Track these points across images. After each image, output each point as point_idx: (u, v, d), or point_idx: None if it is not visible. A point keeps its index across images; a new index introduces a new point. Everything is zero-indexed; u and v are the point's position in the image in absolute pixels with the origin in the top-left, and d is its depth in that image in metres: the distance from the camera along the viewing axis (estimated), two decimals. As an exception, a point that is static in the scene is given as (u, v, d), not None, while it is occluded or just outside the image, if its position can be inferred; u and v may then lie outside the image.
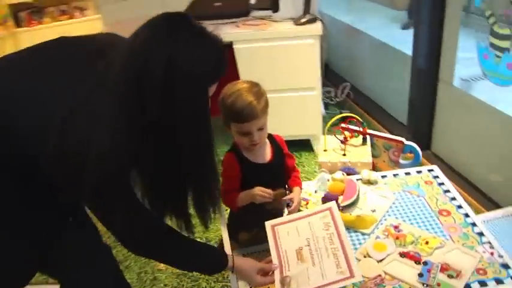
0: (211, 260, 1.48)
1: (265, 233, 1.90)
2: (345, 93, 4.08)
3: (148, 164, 1.10)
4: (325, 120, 3.21)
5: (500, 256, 1.67)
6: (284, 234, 1.62)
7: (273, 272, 1.52)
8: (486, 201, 2.61)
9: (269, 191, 1.66)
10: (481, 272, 1.62)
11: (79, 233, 1.42)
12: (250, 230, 1.90)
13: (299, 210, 1.80)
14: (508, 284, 1.57)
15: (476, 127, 2.65)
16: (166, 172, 1.12)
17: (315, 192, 2.08)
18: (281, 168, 1.86)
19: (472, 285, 1.57)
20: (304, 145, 3.44)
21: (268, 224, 1.68)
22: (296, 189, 1.84)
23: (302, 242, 1.57)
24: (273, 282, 1.50)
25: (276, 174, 1.83)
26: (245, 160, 1.71)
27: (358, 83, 4.11)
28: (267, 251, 1.97)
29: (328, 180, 2.12)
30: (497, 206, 2.54)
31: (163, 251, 1.35)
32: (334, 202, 1.65)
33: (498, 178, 2.61)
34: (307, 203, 1.99)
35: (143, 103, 1.00)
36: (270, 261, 1.56)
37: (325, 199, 1.96)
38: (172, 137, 1.06)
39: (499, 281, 1.58)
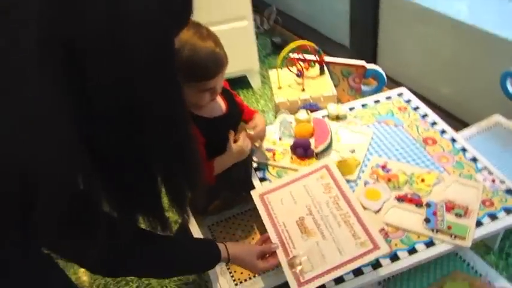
0: (204, 256, 1.14)
1: (236, 194, 1.59)
2: (272, 19, 3.70)
3: (107, 150, 0.71)
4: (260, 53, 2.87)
5: (502, 182, 1.50)
6: (277, 203, 1.31)
7: (275, 253, 1.23)
8: (445, 117, 2.47)
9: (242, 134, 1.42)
10: (487, 203, 1.43)
11: None
12: (218, 196, 1.58)
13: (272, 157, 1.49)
14: (517, 212, 1.41)
15: (424, 38, 2.45)
16: (130, 154, 0.74)
17: (280, 139, 1.76)
18: (240, 114, 1.53)
19: (482, 220, 1.38)
20: (240, 83, 3.09)
21: (255, 193, 1.35)
22: (256, 115, 1.56)
23: (302, 210, 1.28)
24: (278, 265, 1.21)
25: (238, 122, 1.50)
26: (202, 120, 1.35)
27: (285, 7, 3.74)
28: (244, 213, 1.68)
29: (290, 123, 1.82)
30: (454, 118, 2.42)
31: (147, 262, 1.00)
32: (330, 158, 1.36)
33: (450, 90, 2.47)
34: (273, 155, 1.68)
35: (82, 64, 0.60)
36: (268, 240, 1.27)
37: (296, 146, 1.66)
38: (128, 102, 0.67)
39: (508, 211, 1.41)
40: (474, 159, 1.59)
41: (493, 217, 1.39)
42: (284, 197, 1.32)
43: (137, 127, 0.72)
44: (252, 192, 1.36)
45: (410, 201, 1.44)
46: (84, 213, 0.75)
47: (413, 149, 1.65)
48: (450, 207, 1.41)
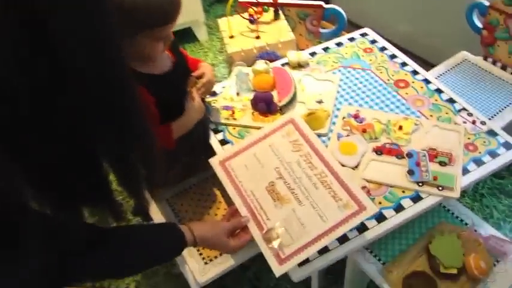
0: (167, 244, 0.95)
1: (197, 158, 1.40)
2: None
3: (27, 125, 0.51)
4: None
5: (483, 123, 1.38)
6: (241, 169, 1.12)
7: (246, 227, 1.05)
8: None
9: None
10: (471, 148, 1.32)
11: None
12: (176, 163, 1.38)
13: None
14: (502, 154, 1.30)
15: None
16: (59, 129, 0.53)
17: (237, 95, 1.56)
18: (188, 66, 1.32)
19: (468, 167, 1.27)
20: (185, 36, 2.82)
21: (214, 161, 1.15)
22: (201, 64, 1.36)
23: (271, 174, 1.09)
24: (251, 240, 1.04)
25: (187, 75, 1.29)
26: (150, 78, 1.13)
27: None
28: (205, 181, 1.50)
29: (248, 75, 1.61)
30: (418, 58, 2.29)
31: (101, 263, 0.79)
32: (295, 112, 1.17)
33: (411, 29, 2.33)
34: (232, 113, 1.48)
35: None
36: (236, 213, 1.09)
37: (257, 101, 1.47)
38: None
39: (493, 154, 1.30)
40: (451, 101, 1.46)
41: (479, 162, 1.28)
42: (248, 161, 1.13)
43: (61, 88, 0.51)
44: (211, 161, 1.16)
45: (390, 152, 1.30)
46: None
47: (385, 93, 1.50)
48: (433, 155, 1.28)
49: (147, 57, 1.11)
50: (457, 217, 1.38)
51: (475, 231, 1.32)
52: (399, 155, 1.29)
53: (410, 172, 1.24)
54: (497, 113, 1.67)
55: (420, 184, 1.22)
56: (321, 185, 1.05)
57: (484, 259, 1.22)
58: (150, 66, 1.15)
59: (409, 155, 1.28)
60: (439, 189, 1.21)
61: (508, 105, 1.70)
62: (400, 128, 1.35)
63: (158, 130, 1.15)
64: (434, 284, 1.20)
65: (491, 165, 1.27)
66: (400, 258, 1.27)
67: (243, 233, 1.06)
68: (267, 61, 1.61)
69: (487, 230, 1.34)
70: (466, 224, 1.36)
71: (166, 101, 1.14)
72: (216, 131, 1.42)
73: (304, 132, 1.12)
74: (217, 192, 1.49)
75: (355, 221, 1.00)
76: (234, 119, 1.46)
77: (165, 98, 1.13)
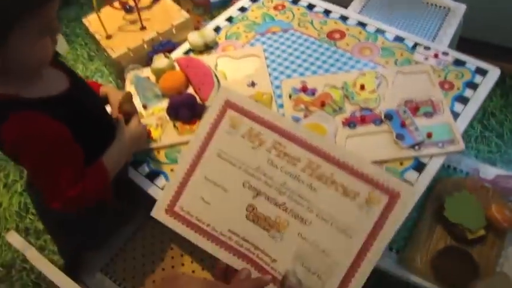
0: None
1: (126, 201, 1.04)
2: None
3: None
4: None
5: (445, 53, 1.17)
6: (199, 206, 0.73)
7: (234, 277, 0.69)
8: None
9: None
10: (446, 86, 1.11)
11: None
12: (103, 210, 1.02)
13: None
14: (482, 83, 1.11)
15: None
16: None
17: (144, 108, 1.18)
18: (87, 83, 0.99)
19: (455, 109, 1.06)
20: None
21: (158, 213, 0.72)
22: (101, 87, 1.07)
23: (242, 196, 0.72)
24: None
25: (95, 96, 1.00)
26: (49, 102, 0.82)
27: None
28: (143, 228, 1.13)
29: (148, 79, 1.24)
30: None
31: None
32: (225, 88, 0.77)
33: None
34: (148, 134, 1.11)
35: None
36: (231, 271, 0.71)
37: (174, 108, 1.12)
38: None
39: (471, 85, 1.10)
40: (399, 39, 1.23)
41: (462, 100, 1.07)
42: (203, 191, 0.74)
43: None
44: (154, 213, 0.75)
45: (364, 120, 1.04)
46: None
47: (323, 51, 1.23)
48: (414, 108, 1.04)
49: (36, 66, 0.79)
50: (454, 168, 1.18)
51: (480, 177, 1.12)
52: (377, 120, 1.03)
53: (399, 137, 0.99)
54: (435, 38, 1.49)
55: (416, 147, 0.98)
56: (319, 183, 0.69)
57: (505, 206, 1.03)
58: (40, 88, 0.81)
59: (388, 117, 1.03)
60: (439, 147, 0.98)
61: (439, 27, 1.53)
62: (362, 87, 1.09)
63: (88, 172, 0.85)
64: (468, 256, 0.99)
65: (477, 98, 1.07)
66: (414, 241, 1.03)
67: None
68: (166, 53, 1.25)
69: (488, 171, 1.15)
70: (467, 173, 1.16)
71: (79, 128, 0.82)
72: (136, 164, 1.05)
73: (254, 111, 0.74)
74: (172, 245, 1.14)
75: (395, 219, 0.65)
76: (153, 140, 1.10)
77: (77, 124, 0.82)
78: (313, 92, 1.11)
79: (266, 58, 1.23)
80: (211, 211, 0.73)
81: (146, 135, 1.07)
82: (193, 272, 1.11)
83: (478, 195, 1.06)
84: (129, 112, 0.98)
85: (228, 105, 0.75)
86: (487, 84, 1.10)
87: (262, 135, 0.72)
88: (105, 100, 1.05)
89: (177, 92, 1.17)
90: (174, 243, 1.15)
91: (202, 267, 1.12)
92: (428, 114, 1.03)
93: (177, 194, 0.76)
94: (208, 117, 0.75)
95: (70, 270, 1.07)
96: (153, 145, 1.09)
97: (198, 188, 0.74)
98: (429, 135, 0.99)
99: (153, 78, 1.24)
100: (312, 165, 0.70)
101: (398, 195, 0.66)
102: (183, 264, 1.12)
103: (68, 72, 0.90)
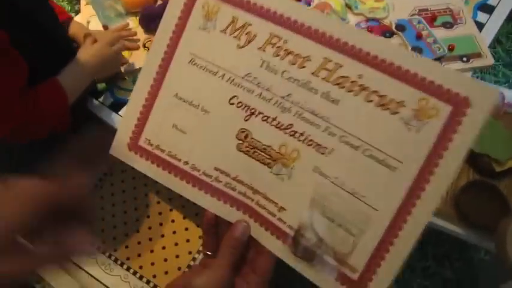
0: None
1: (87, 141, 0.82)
2: None
3: None
4: None
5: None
6: (173, 137, 0.50)
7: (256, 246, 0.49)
8: None
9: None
10: (466, -7, 0.93)
11: None
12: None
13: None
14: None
15: None
16: None
17: (105, 29, 0.97)
18: None
19: (478, 19, 0.89)
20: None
21: (118, 149, 0.49)
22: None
23: (230, 118, 0.47)
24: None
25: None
26: None
27: None
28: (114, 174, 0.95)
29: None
30: None
31: None
32: None
33: None
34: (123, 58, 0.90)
35: None
36: (217, 221, 0.51)
37: (148, 21, 0.92)
38: None
39: None
40: None
41: (486, 7, 0.90)
42: (174, 116, 0.50)
43: None
44: (114, 149, 0.54)
45: (372, 32, 0.85)
46: None
47: (316, -41, 1.02)
48: (430, 18, 0.86)
49: None
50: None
51: (503, 102, 0.97)
52: (387, 33, 0.85)
53: (416, 50, 0.82)
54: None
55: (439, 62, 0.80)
56: (342, 91, 0.44)
57: (534, 133, 0.88)
58: None
59: (401, 28, 0.85)
60: (464, 61, 0.81)
61: None
62: (367, -4, 0.90)
63: (40, 90, 0.71)
64: (496, 191, 0.84)
65: (504, 5, 0.90)
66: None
67: (257, 257, 0.51)
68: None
69: (507, 93, 1.00)
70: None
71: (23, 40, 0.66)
72: (97, 95, 0.86)
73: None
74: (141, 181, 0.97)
75: (462, 140, 0.40)
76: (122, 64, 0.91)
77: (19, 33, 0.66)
78: (308, 2, 0.91)
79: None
80: (188, 143, 0.51)
81: (118, 59, 0.87)
82: (186, 229, 0.95)
83: (505, 122, 0.90)
84: None
85: None
86: (514, -10, 0.92)
87: (252, 27, 0.48)
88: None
89: (145, 3, 0.96)
90: (154, 184, 0.98)
91: (196, 213, 0.95)
92: (447, 25, 0.85)
93: (140, 123, 0.53)
94: (172, 9, 0.51)
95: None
96: (124, 69, 0.89)
97: (167, 111, 0.52)
98: (451, 48, 0.81)
99: (112, -7, 1.02)
100: (328, 65, 0.45)
101: (467, 103, 0.41)
102: (171, 210, 0.96)
103: None
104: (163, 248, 0.96)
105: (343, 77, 0.44)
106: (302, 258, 0.46)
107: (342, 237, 0.45)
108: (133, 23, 0.97)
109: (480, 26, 0.87)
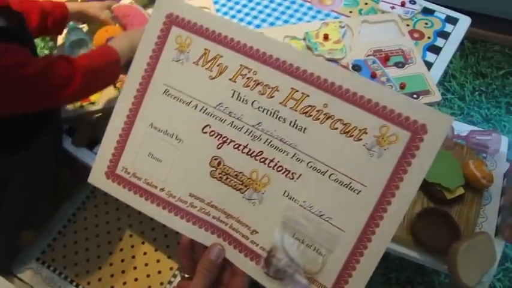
0: None
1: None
2: None
3: None
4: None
5: (412, 1, 1.08)
6: (149, 165, 0.53)
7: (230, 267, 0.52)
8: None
9: None
10: (416, 35, 1.01)
11: None
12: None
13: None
14: (453, 32, 1.02)
15: None
16: None
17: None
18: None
19: (427, 59, 0.97)
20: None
21: (96, 178, 0.52)
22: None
23: (203, 147, 0.51)
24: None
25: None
26: None
27: None
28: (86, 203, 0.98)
29: (85, 34, 1.07)
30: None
31: None
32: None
33: None
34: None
35: None
36: (195, 246, 0.53)
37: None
38: None
39: (443, 35, 1.01)
40: (361, -13, 1.13)
41: (434, 49, 0.98)
42: (149, 144, 0.54)
43: None
44: (92, 179, 0.57)
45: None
46: None
47: (280, 2, 1.10)
48: (384, 58, 0.94)
49: None
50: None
51: (454, 134, 1.04)
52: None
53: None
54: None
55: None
56: (309, 119, 0.48)
57: (482, 162, 0.95)
58: None
59: (357, 68, 0.92)
60: (414, 98, 0.88)
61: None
62: (326, 37, 0.98)
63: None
64: (447, 217, 0.90)
65: (449, 47, 0.99)
66: (389, 205, 0.94)
67: (232, 278, 0.54)
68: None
69: (460, 127, 1.07)
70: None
71: None
72: (72, 132, 0.90)
73: (209, 26, 0.52)
74: (114, 215, 0.99)
75: (421, 164, 0.44)
76: (92, 103, 0.94)
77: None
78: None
79: (218, 10, 1.09)
80: (164, 170, 0.54)
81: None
82: (158, 261, 0.98)
83: (454, 152, 0.97)
84: None
85: (172, 20, 0.53)
86: (458, 32, 1.02)
87: (223, 59, 0.51)
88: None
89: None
90: (127, 218, 1.01)
91: (167, 245, 0.99)
92: (399, 64, 0.93)
93: (117, 152, 0.56)
94: (146, 42, 0.53)
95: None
96: (91, 108, 0.93)
97: (143, 140, 0.55)
98: (403, 86, 0.89)
99: (86, 28, 1.07)
100: (296, 94, 0.49)
101: (424, 129, 0.44)
102: (143, 243, 0.98)
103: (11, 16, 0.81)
104: (136, 279, 0.98)
105: (309, 106, 0.47)
106: (274, 277, 0.49)
107: (311, 257, 0.48)
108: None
109: (429, 65, 0.95)
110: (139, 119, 0.54)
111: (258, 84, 0.50)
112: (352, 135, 0.46)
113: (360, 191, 0.46)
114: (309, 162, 0.48)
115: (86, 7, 1.00)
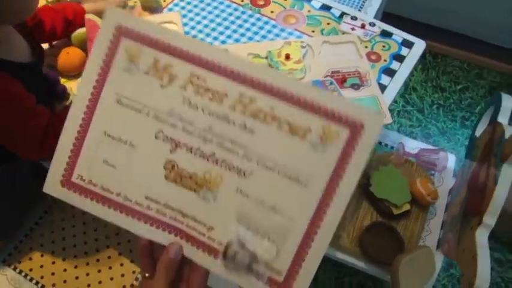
0: None
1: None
2: None
3: None
4: None
5: (372, 24, 1.13)
6: (104, 172, 0.57)
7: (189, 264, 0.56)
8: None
9: None
10: (373, 57, 1.07)
11: None
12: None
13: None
14: (408, 55, 1.09)
15: None
16: None
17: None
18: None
19: (382, 81, 1.03)
20: None
21: (51, 186, 0.56)
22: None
23: (157, 151, 0.55)
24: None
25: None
26: (13, 67, 0.79)
27: None
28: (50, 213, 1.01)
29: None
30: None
31: None
32: (114, 10, 0.57)
33: None
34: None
35: None
36: (154, 247, 0.57)
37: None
38: None
39: (399, 58, 1.08)
40: (326, 7, 1.18)
41: (389, 72, 1.04)
42: (104, 152, 0.57)
43: None
44: (47, 187, 0.60)
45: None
46: None
47: (246, 19, 1.14)
48: (341, 80, 1.00)
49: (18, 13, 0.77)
50: (379, 143, 1.16)
51: (404, 151, 1.11)
52: (303, 92, 0.98)
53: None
54: (361, 9, 1.46)
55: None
56: (256, 122, 0.53)
57: (429, 180, 1.02)
58: (3, 51, 0.78)
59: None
60: (366, 120, 0.94)
61: None
62: (288, 57, 1.03)
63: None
64: (393, 231, 0.97)
65: (403, 71, 1.05)
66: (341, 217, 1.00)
67: (191, 273, 0.56)
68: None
69: (411, 145, 1.15)
70: (392, 147, 1.15)
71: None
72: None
73: (158, 37, 0.54)
74: (80, 219, 1.03)
75: (360, 157, 0.50)
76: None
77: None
78: (236, 62, 1.02)
79: (185, 25, 1.12)
80: (119, 176, 0.57)
81: None
82: (121, 265, 1.02)
83: (403, 169, 1.04)
84: None
85: (121, 32, 0.55)
86: (413, 56, 1.08)
87: (173, 68, 0.54)
88: None
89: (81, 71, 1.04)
90: (93, 222, 1.04)
91: (130, 249, 1.03)
92: (355, 86, 0.99)
93: (72, 161, 0.59)
94: (96, 53, 0.55)
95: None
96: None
97: (97, 148, 0.57)
98: (357, 108, 0.95)
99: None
100: (243, 99, 0.53)
101: (361, 127, 0.50)
102: (108, 247, 1.03)
103: (33, 45, 0.87)
104: (100, 282, 1.02)
105: (257, 109, 0.52)
106: (233, 269, 0.55)
107: (266, 247, 0.54)
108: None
109: (383, 87, 1.01)
110: (92, 128, 0.57)
111: (207, 90, 0.53)
112: (298, 134, 0.51)
113: (307, 184, 0.52)
114: (258, 160, 0.53)
115: (101, 9, 1.04)
